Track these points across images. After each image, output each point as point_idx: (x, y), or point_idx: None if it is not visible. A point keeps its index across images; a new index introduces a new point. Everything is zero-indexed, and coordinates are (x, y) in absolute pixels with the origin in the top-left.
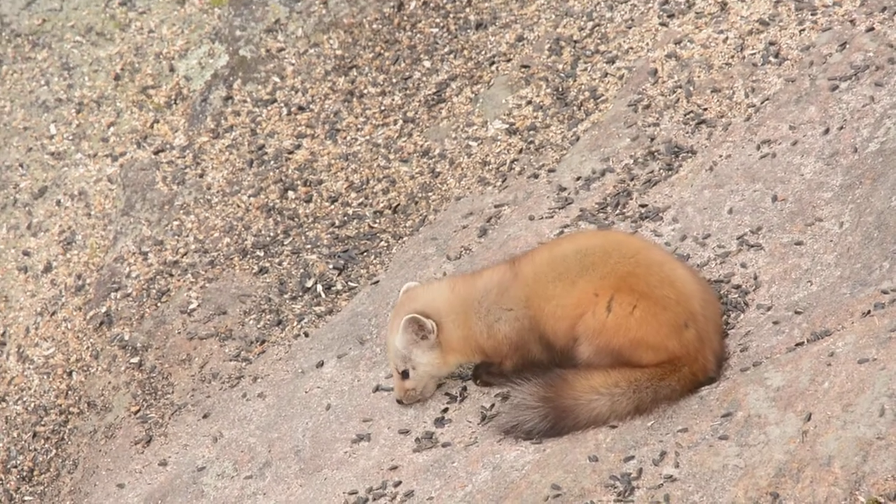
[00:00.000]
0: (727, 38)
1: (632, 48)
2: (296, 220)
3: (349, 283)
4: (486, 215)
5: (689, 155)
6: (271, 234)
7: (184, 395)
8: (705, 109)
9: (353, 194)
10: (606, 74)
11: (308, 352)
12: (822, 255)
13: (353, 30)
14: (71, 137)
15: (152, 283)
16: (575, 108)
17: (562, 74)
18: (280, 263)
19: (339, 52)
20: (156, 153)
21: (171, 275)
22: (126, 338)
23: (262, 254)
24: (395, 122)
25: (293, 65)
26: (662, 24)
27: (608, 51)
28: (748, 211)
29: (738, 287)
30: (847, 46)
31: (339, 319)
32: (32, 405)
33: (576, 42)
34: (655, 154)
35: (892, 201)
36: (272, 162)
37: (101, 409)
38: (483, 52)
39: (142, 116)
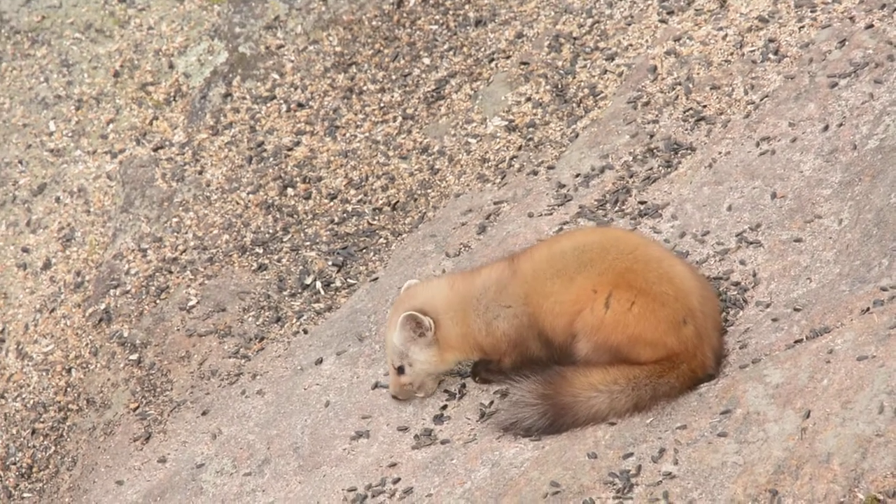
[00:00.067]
0: (726, 35)
1: (631, 45)
2: (295, 216)
3: (348, 279)
4: (485, 212)
5: (689, 152)
6: (270, 230)
7: (183, 392)
8: (704, 106)
9: (353, 191)
10: (606, 71)
11: (307, 349)
12: (821, 252)
13: (353, 27)
14: (70, 134)
15: (151, 279)
16: (574, 104)
17: (561, 71)
18: (279, 260)
19: (338, 49)
20: (155, 150)
21: (171, 272)
22: (125, 335)
23: (261, 251)
24: (395, 118)
25: (292, 62)
26: (662, 21)
27: (607, 48)
28: (747, 208)
29: (737, 284)
30: (846, 43)
31: (338, 316)
32: (31, 402)
33: (575, 39)
34: (655, 151)
35: (891, 198)
36: (271, 159)
37: (100, 406)
38: (482, 49)
39: (141, 113)
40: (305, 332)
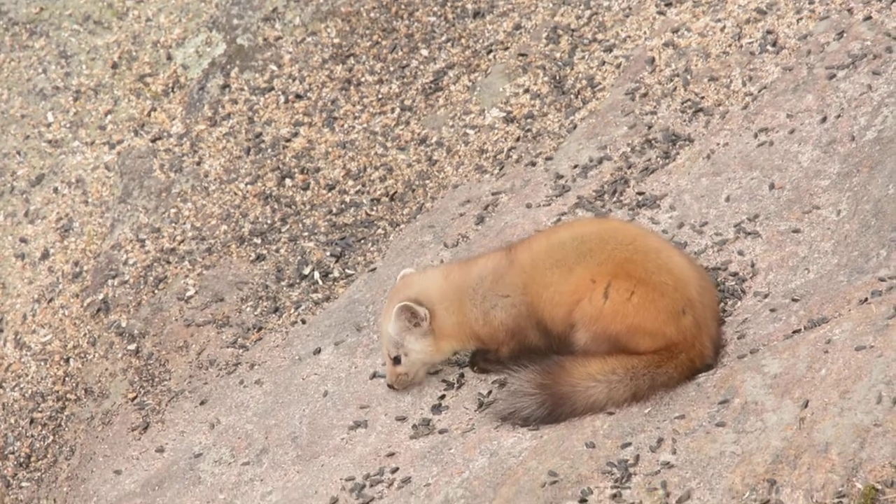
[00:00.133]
0: (724, 26)
1: (629, 37)
2: (293, 207)
3: (346, 270)
4: (483, 203)
5: (687, 143)
6: (268, 221)
7: (181, 382)
8: (703, 98)
9: (351, 182)
10: (604, 63)
11: (305, 339)
12: (819, 243)
13: (351, 18)
14: (68, 125)
15: (149, 270)
16: (572, 96)
17: (559, 63)
18: (277, 251)
19: (336, 41)
20: (153, 141)
21: (169, 262)
22: (123, 325)
23: (259, 241)
24: (393, 110)
25: (290, 53)
26: (660, 13)
27: (606, 39)
28: (745, 199)
29: (735, 274)
30: (844, 35)
31: (336, 307)
32: (30, 392)
33: (573, 30)
34: (653, 142)
35: (889, 189)
36: (269, 150)
37: (99, 396)
38: (480, 41)
39: (139, 104)
40: (303, 322)
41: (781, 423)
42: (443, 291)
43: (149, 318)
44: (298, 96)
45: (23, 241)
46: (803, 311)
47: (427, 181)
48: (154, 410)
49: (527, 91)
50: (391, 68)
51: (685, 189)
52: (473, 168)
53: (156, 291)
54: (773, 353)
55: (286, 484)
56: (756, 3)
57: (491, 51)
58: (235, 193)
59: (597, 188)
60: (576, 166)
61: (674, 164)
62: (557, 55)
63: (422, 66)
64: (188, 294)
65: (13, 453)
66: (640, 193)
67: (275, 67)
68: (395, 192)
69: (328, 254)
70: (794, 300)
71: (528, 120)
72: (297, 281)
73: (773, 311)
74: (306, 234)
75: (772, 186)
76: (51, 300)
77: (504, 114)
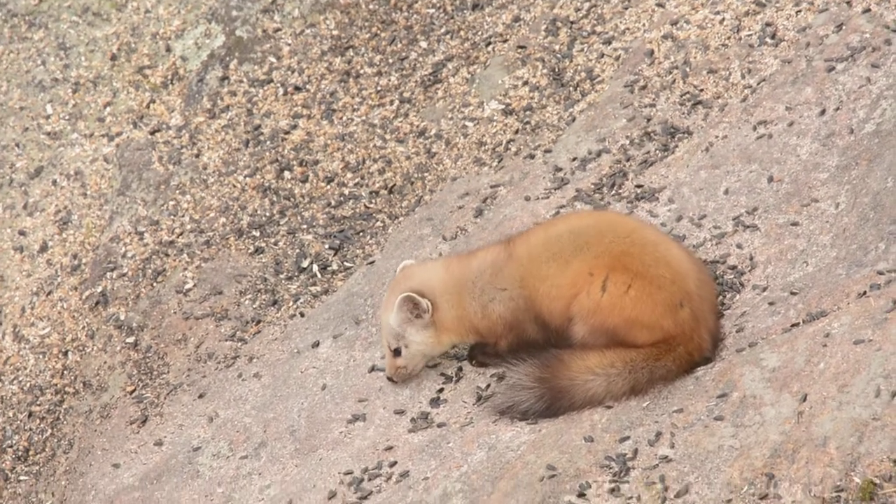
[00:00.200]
0: (723, 19)
1: (628, 29)
2: (292, 200)
3: (345, 263)
4: (481, 196)
5: (686, 136)
6: (267, 214)
7: (179, 375)
8: (701, 90)
9: (349, 174)
10: (603, 55)
11: (304, 332)
12: (817, 236)
13: (350, 10)
14: (67, 117)
15: (148, 262)
16: (571, 88)
17: (558, 55)
18: (276, 243)
19: (335, 33)
20: (152, 133)
21: (167, 255)
22: (122, 318)
23: (257, 234)
24: (392, 102)
25: (289, 45)
26: (659, 5)
27: (605, 32)
28: (744, 192)
29: (733, 268)
30: (843, 28)
31: (334, 299)
32: (28, 385)
33: (572, 23)
34: (651, 135)
35: (887, 182)
36: (268, 142)
37: (97, 389)
38: (479, 33)
39: (138, 96)
40: (302, 315)
41: (780, 416)
42: (444, 284)
43: (147, 310)
44: (297, 88)
45: (21, 233)
46: (802, 305)
47: (426, 174)
48: (152, 404)
49: (526, 83)
50: (390, 60)
51: (684, 182)
52: (472, 161)
53: (154, 284)
54: (772, 346)
55: (284, 477)
56: None
57: (490, 43)
58: (234, 186)
59: (595, 181)
60: (574, 159)
61: (672, 157)
62: (556, 47)
63: (421, 59)
64: (187, 287)
65: (11, 447)
66: (638, 186)
67: (274, 59)
68: (394, 184)
69: (327, 246)
70: (793, 293)
71: (527, 112)
72: (296, 274)
73: (771, 304)
74: (305, 226)
75: (770, 179)
76: (49, 293)
77: (503, 106)
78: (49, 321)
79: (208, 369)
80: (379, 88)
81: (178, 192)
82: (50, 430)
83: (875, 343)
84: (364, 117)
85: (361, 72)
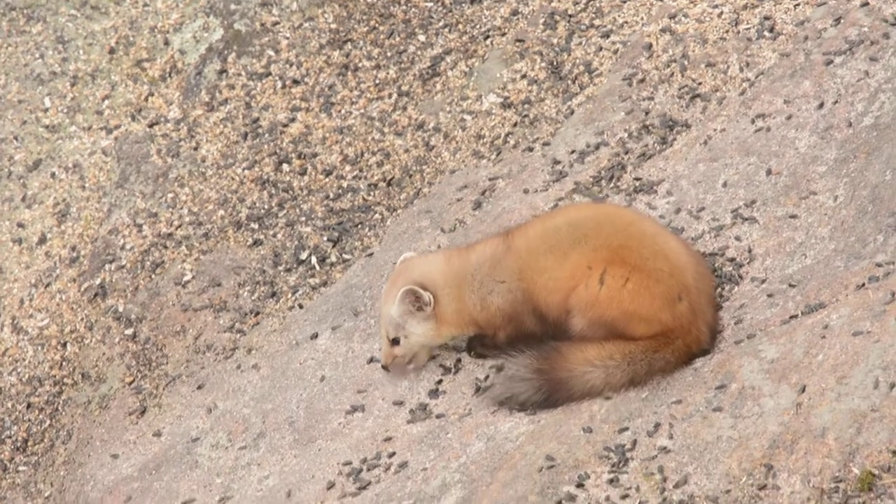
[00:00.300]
0: (722, 12)
1: (626, 22)
2: (290, 192)
3: (343, 255)
4: (480, 188)
5: (684, 129)
6: (266, 206)
7: (178, 367)
8: (700, 84)
9: (348, 167)
10: (601, 48)
11: (302, 323)
12: (816, 229)
13: (348, 3)
14: (65, 110)
15: (147, 255)
16: (569, 81)
17: (556, 48)
18: (274, 236)
19: (333, 26)
20: (150, 126)
21: (166, 247)
22: (120, 309)
23: (256, 226)
24: (390, 95)
25: (288, 38)
26: None
27: (603, 25)
28: (742, 184)
29: (732, 260)
30: (842, 21)
31: (333, 291)
32: (27, 376)
33: (570, 16)
34: (650, 128)
35: (886, 175)
36: (267, 135)
37: (96, 380)
38: (478, 26)
39: (136, 90)
40: (301, 307)
41: (778, 408)
42: (445, 277)
43: (146, 302)
44: (296, 81)
45: (20, 225)
46: (800, 297)
47: (424, 166)
48: (151, 395)
49: (524, 77)
50: (388, 54)
51: (682, 175)
52: (471, 153)
53: (153, 276)
54: (771, 338)
55: (283, 468)
56: None
57: (488, 36)
58: (232, 178)
59: (594, 174)
60: (573, 152)
61: (671, 150)
62: (555, 41)
63: (419, 52)
64: (185, 279)
65: (10, 437)
66: (637, 179)
67: (272, 53)
68: (393, 177)
69: (325, 239)
70: (792, 286)
71: (526, 105)
72: (295, 266)
73: (770, 296)
74: (303, 219)
75: (769, 172)
76: (48, 285)
77: (501, 99)
78: (48, 313)
79: (207, 361)
80: (377, 82)
81: (176, 184)
82: (49, 421)
83: (873, 335)
84: (362, 110)
85: (360, 65)
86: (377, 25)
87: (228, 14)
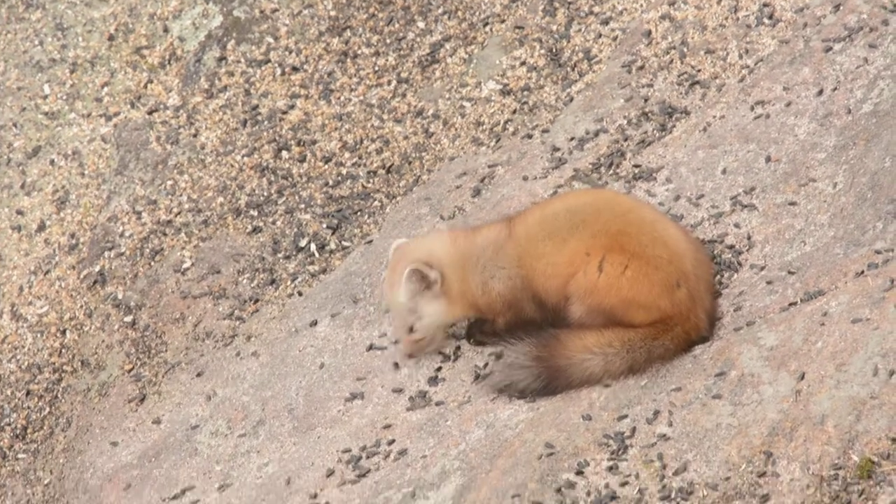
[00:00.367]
0: None
1: (626, 9)
2: (289, 179)
3: (343, 242)
4: (479, 175)
5: (683, 116)
6: (265, 193)
7: (177, 354)
8: (699, 70)
9: (347, 154)
10: (600, 35)
11: (302, 311)
12: (815, 216)
13: None
14: (65, 97)
15: (146, 242)
16: (569, 68)
17: (556, 35)
18: (274, 223)
19: (332, 13)
20: (149, 113)
21: (165, 234)
22: (120, 297)
23: (255, 213)
24: (389, 82)
25: (287, 25)
26: None
27: (602, 12)
28: (742, 171)
29: (731, 247)
30: (841, 8)
31: (332, 279)
32: (26, 363)
33: (570, 3)
34: (649, 115)
35: (885, 162)
36: (266, 122)
37: (95, 368)
38: (477, 13)
39: (135, 77)
40: (300, 294)
41: (778, 395)
42: (450, 256)
43: (145, 290)
44: (295, 69)
45: (19, 212)
46: (800, 284)
47: (423, 153)
48: (150, 382)
49: (523, 64)
50: (387, 41)
51: (681, 162)
52: (470, 140)
53: (152, 263)
54: (770, 325)
55: (283, 455)
56: None
57: (487, 23)
58: (232, 165)
59: (593, 161)
60: (572, 139)
61: (670, 137)
62: (554, 28)
63: (418, 39)
64: (185, 266)
65: (10, 425)
66: (636, 166)
67: (271, 40)
68: (392, 164)
69: (325, 226)
70: (791, 273)
71: (525, 92)
72: (294, 253)
73: (769, 283)
74: (303, 206)
75: (768, 159)
76: (47, 272)
77: (500, 86)
78: (47, 300)
79: (206, 348)
80: (377, 68)
81: (175, 171)
82: (48, 409)
83: (873, 322)
84: (362, 97)
85: (359, 52)
86: (376, 12)
87: (227, 1)
